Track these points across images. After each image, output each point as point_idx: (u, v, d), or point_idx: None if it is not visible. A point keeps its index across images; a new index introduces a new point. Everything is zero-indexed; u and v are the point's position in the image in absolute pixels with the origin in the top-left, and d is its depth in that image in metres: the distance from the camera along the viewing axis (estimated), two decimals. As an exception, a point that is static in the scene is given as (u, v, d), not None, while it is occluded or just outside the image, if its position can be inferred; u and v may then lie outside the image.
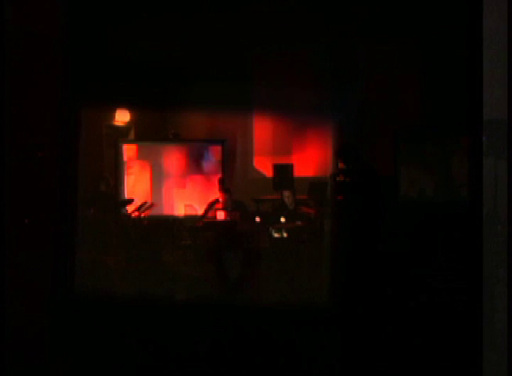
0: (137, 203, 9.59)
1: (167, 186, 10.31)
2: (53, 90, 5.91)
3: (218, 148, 10.48)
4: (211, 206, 9.45)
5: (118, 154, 10.12)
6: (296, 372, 4.92)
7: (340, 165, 8.74)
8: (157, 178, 10.30)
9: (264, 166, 10.38)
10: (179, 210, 10.14)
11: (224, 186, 9.58)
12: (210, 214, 9.41)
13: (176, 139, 10.77)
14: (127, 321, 5.64)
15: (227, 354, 5.13)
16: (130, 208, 9.47)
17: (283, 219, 8.40)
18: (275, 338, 5.11)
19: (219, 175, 10.30)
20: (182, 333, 5.40)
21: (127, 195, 10.04)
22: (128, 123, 10.71)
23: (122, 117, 10.54)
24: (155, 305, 6.05)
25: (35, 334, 5.39)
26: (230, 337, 5.25)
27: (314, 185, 9.24)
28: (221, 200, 9.28)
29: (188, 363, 5.12)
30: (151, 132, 10.97)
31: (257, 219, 8.60)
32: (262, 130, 10.78)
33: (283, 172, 9.53)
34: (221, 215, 8.96)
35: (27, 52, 5.79)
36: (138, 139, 10.77)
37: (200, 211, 9.44)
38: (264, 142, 10.73)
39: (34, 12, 5.81)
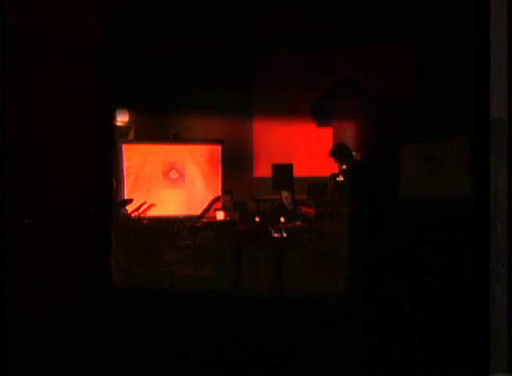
0: (137, 203, 9.60)
1: (166, 186, 10.33)
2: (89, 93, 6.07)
3: (218, 148, 10.51)
4: (211, 205, 9.48)
5: (118, 154, 10.13)
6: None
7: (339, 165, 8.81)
8: (157, 178, 10.32)
9: (264, 166, 10.40)
10: (178, 210, 10.17)
11: (226, 189, 9.61)
12: (209, 213, 9.45)
13: (176, 139, 10.80)
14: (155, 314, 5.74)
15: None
16: (130, 208, 9.48)
17: (282, 219, 8.41)
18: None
19: (219, 176, 10.35)
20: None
21: (127, 195, 10.06)
22: (128, 123, 10.72)
23: (122, 117, 10.55)
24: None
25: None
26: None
27: (314, 185, 9.26)
28: (223, 201, 9.29)
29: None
30: (151, 132, 10.99)
31: (257, 219, 8.61)
32: (262, 130, 10.81)
33: (283, 172, 9.55)
34: (220, 215, 8.97)
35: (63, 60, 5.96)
36: (137, 139, 10.80)
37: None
38: (264, 143, 10.76)
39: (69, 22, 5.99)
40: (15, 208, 6.28)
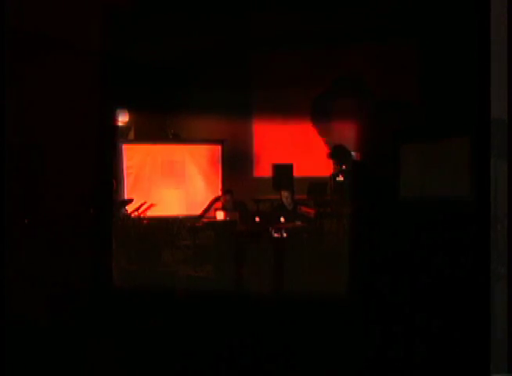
0: (137, 203, 9.60)
1: (166, 186, 10.32)
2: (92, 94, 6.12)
3: (218, 148, 10.51)
4: (211, 205, 9.48)
5: (118, 154, 10.13)
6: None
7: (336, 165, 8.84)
8: (157, 178, 10.32)
9: (264, 166, 10.40)
10: (178, 210, 10.17)
11: (226, 189, 9.61)
12: (209, 213, 9.45)
13: (176, 139, 10.79)
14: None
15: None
16: (130, 208, 9.48)
17: (282, 219, 8.42)
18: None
19: (219, 176, 10.35)
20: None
21: (127, 195, 10.05)
22: (128, 123, 10.71)
23: (122, 117, 10.55)
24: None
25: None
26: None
27: (314, 185, 9.27)
28: (223, 201, 9.29)
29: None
30: (151, 132, 10.98)
31: (257, 219, 8.62)
32: (262, 130, 10.81)
33: (283, 172, 9.55)
34: (220, 215, 8.97)
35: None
36: (137, 139, 10.79)
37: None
38: (264, 143, 10.76)
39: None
40: (15, 208, 6.29)
